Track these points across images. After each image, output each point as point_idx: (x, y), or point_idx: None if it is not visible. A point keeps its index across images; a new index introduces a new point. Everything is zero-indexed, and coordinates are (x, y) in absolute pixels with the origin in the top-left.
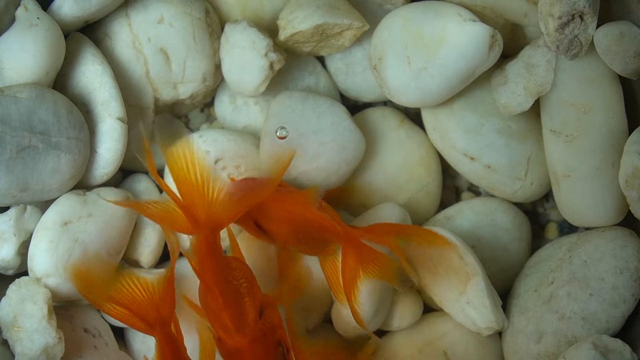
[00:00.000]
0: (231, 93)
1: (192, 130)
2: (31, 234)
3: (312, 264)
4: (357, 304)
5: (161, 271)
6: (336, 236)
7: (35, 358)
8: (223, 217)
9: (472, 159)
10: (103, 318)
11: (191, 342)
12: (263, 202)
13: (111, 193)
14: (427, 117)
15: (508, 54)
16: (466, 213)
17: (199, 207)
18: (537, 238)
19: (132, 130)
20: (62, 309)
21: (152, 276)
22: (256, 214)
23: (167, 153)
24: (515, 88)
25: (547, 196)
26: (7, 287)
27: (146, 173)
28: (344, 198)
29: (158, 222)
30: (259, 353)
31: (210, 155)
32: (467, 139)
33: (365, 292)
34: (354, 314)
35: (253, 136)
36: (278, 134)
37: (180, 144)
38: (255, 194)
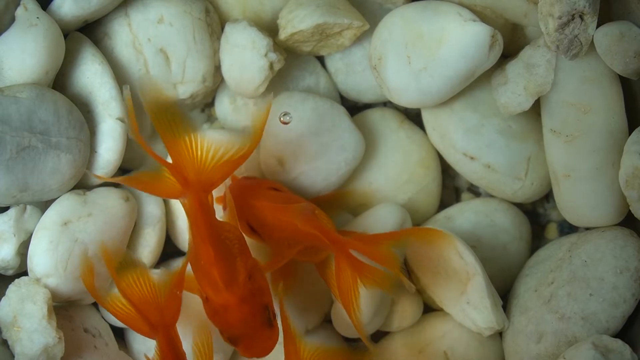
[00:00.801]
0: (231, 93)
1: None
2: (31, 234)
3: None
4: (357, 312)
5: (167, 272)
6: (328, 247)
7: (35, 358)
8: (213, 177)
9: (472, 159)
10: (103, 318)
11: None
12: (257, 209)
13: (111, 193)
14: (427, 117)
15: (508, 54)
16: (466, 213)
17: (189, 167)
18: (537, 238)
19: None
20: (62, 309)
21: (157, 277)
22: (250, 218)
23: (153, 113)
24: (516, 88)
25: (547, 196)
26: (7, 287)
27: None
28: (340, 202)
29: (149, 191)
30: (246, 313)
31: None
32: (467, 139)
33: (365, 293)
34: (353, 321)
35: None
36: (282, 119)
37: (167, 103)
38: (237, 154)
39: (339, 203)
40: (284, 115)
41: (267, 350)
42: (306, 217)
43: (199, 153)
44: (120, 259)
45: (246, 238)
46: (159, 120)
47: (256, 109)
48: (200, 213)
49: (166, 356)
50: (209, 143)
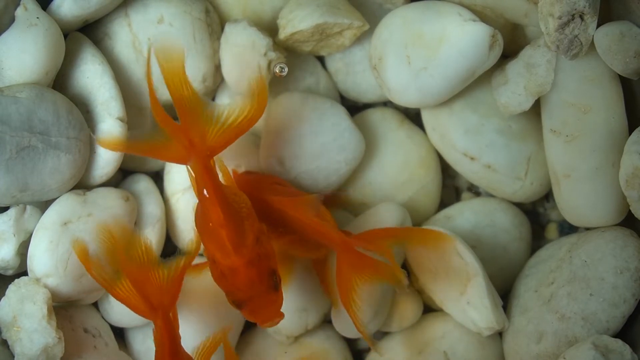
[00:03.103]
0: (231, 93)
1: None
2: (31, 234)
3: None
4: (357, 310)
5: (173, 260)
6: (331, 243)
7: (34, 358)
8: (218, 142)
9: (472, 159)
10: (103, 318)
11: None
12: (261, 202)
13: (111, 193)
14: (427, 117)
15: (508, 53)
16: (466, 213)
17: (196, 130)
18: (537, 238)
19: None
20: (62, 309)
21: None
22: (255, 210)
23: (167, 72)
24: (516, 88)
25: (548, 196)
26: (7, 287)
27: (146, 173)
28: (340, 203)
29: (152, 155)
30: (253, 276)
31: None
32: (467, 139)
33: (365, 293)
34: (354, 321)
35: (253, 136)
36: (277, 70)
37: (181, 64)
38: (247, 121)
39: (338, 204)
40: (279, 66)
41: (272, 315)
42: (312, 212)
43: (206, 117)
44: (128, 238)
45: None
46: (172, 80)
47: (256, 74)
48: (208, 176)
49: (163, 338)
50: (215, 107)
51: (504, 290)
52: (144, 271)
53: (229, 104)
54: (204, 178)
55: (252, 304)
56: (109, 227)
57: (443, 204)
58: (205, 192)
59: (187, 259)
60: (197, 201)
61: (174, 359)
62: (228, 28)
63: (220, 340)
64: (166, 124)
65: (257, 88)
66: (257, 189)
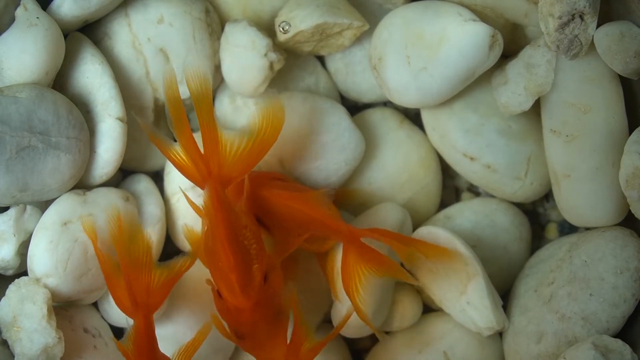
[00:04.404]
0: (231, 93)
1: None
2: (31, 234)
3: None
4: (360, 301)
5: (169, 264)
6: (339, 235)
7: (34, 358)
8: (233, 172)
9: (472, 159)
10: (103, 318)
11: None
12: (265, 198)
13: (111, 193)
14: (427, 117)
15: (508, 53)
16: (466, 213)
17: (214, 160)
18: (537, 238)
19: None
20: (61, 309)
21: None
22: (257, 207)
23: (197, 100)
24: (516, 88)
25: (547, 196)
26: (7, 287)
27: (146, 173)
28: (344, 200)
29: (176, 166)
30: (258, 317)
31: None
32: (467, 139)
33: (366, 293)
34: (358, 311)
35: None
36: (281, 28)
37: (209, 93)
38: (258, 151)
39: (341, 201)
40: (284, 23)
41: (271, 354)
42: (318, 205)
43: (224, 147)
44: (134, 231)
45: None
46: (200, 108)
47: (268, 108)
48: (220, 211)
49: (141, 338)
50: (232, 138)
51: (504, 290)
52: (137, 268)
53: (247, 130)
54: (216, 213)
55: (253, 340)
56: (120, 215)
57: (443, 204)
58: (215, 222)
59: (180, 269)
60: (207, 226)
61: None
62: (228, 28)
63: (201, 339)
64: (189, 149)
65: (274, 111)
66: (259, 186)
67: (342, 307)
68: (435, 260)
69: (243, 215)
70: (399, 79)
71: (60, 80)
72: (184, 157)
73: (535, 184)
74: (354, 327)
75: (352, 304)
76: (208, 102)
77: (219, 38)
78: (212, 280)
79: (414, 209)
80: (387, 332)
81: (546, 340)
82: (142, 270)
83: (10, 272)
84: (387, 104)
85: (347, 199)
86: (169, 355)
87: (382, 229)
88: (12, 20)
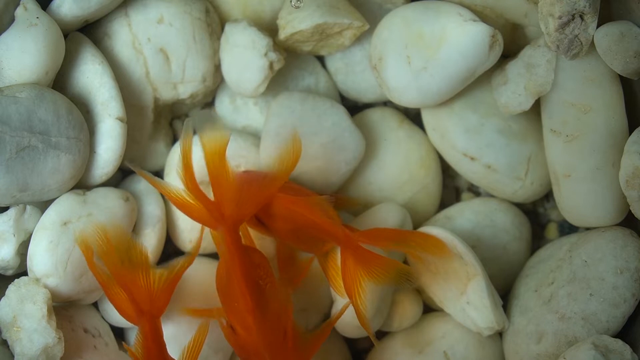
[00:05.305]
0: (231, 93)
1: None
2: (31, 234)
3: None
4: (362, 305)
5: (167, 266)
6: (336, 240)
7: (34, 358)
8: (245, 211)
9: (472, 159)
10: (103, 318)
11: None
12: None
13: (111, 193)
14: (427, 117)
15: (508, 53)
16: (466, 213)
17: (227, 203)
18: (537, 238)
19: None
20: (61, 309)
21: (156, 269)
22: (258, 210)
23: (207, 149)
24: (516, 88)
25: (548, 196)
26: (7, 287)
27: None
28: (344, 206)
29: (183, 211)
30: (270, 352)
31: None
32: (467, 139)
33: (366, 294)
34: (359, 316)
35: (253, 136)
36: (293, 3)
37: (222, 140)
38: (268, 189)
39: (340, 206)
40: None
41: None
42: (319, 210)
43: (236, 190)
44: (123, 241)
45: (251, 231)
46: (211, 156)
47: (288, 149)
48: (236, 255)
49: (149, 344)
50: (244, 180)
51: (504, 290)
52: (135, 276)
53: (257, 174)
54: (232, 254)
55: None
56: (105, 228)
57: (443, 204)
58: (230, 264)
59: (180, 269)
60: (220, 261)
61: None
62: (228, 28)
63: (202, 339)
64: (200, 198)
65: (287, 164)
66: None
67: (341, 305)
68: (433, 254)
69: (255, 253)
70: (399, 78)
71: (60, 80)
72: (194, 201)
73: (535, 184)
74: (354, 327)
75: (354, 308)
76: (220, 155)
77: (219, 38)
78: (224, 314)
79: (414, 209)
80: (387, 333)
81: (546, 340)
82: (141, 277)
83: (10, 272)
84: (387, 103)
85: (347, 206)
86: (175, 358)
87: (382, 228)
88: (12, 20)
